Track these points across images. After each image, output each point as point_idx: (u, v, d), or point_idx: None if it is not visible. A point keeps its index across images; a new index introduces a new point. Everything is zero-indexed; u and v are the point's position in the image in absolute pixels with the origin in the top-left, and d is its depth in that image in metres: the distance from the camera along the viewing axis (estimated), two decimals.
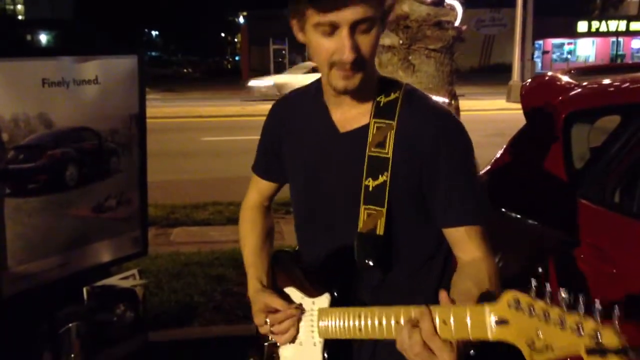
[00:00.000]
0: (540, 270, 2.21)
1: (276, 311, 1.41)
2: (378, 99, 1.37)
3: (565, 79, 2.70)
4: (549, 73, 2.90)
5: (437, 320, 1.09)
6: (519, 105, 2.77)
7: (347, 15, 1.21)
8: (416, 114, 1.35)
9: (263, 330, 1.46)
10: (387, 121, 1.35)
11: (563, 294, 0.93)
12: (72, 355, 2.65)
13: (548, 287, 0.95)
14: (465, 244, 1.35)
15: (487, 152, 3.43)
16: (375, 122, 1.35)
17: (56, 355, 2.50)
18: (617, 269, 1.95)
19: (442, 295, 1.14)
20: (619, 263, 1.96)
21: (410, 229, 1.41)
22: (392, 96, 1.37)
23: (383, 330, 1.18)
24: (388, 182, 1.33)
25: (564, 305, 0.93)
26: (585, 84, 2.58)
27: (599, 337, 0.88)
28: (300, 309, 1.40)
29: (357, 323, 1.25)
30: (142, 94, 2.61)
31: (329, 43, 1.25)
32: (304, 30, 1.30)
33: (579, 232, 2.16)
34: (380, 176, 1.33)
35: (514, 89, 17.93)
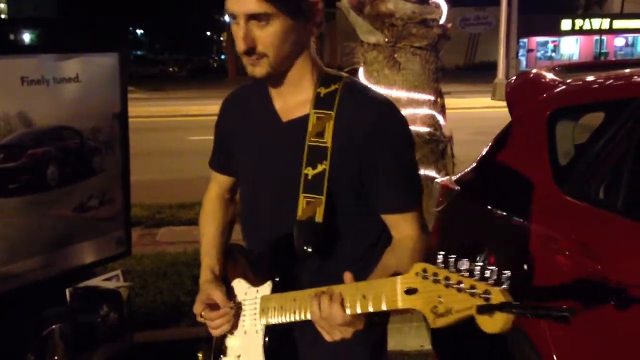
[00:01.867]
0: (525, 267, 2.22)
1: (215, 305, 1.48)
2: (318, 90, 1.42)
3: (549, 76, 2.70)
4: (534, 70, 2.91)
5: (358, 296, 1.19)
6: (504, 103, 2.77)
7: (241, 7, 1.30)
8: (355, 104, 1.40)
9: (199, 319, 1.53)
10: (326, 111, 1.39)
11: (465, 263, 1.00)
12: (56, 357, 2.62)
13: (453, 256, 1.02)
14: (400, 225, 1.44)
15: (473, 149, 3.44)
16: (315, 113, 1.40)
17: (40, 357, 2.46)
18: (602, 265, 1.96)
19: (347, 276, 1.24)
20: (604, 259, 1.97)
21: (350, 217, 1.45)
22: (332, 87, 1.42)
23: (308, 311, 1.28)
24: (327, 171, 1.37)
25: (465, 272, 1.00)
26: (569, 81, 2.58)
27: (489, 296, 0.96)
28: (236, 308, 1.48)
29: (291, 305, 1.34)
30: (123, 92, 2.59)
31: (234, 30, 1.34)
32: None
33: (564, 229, 2.17)
34: (319, 165, 1.37)
35: (499, 87, 18.05)
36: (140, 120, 13.38)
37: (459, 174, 2.97)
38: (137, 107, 15.73)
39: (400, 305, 1.12)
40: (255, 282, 1.49)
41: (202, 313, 1.50)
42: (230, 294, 1.53)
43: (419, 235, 1.44)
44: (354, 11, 4.32)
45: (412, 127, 4.66)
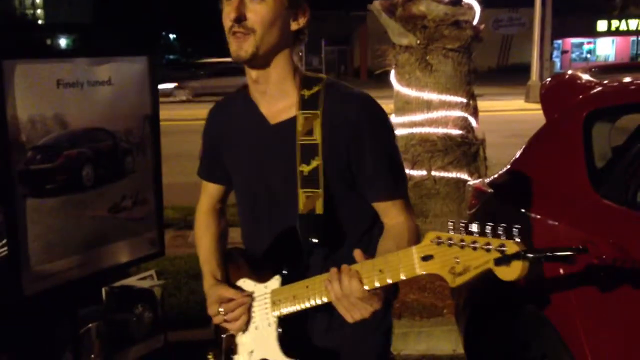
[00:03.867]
0: (561, 271, 2.18)
1: (229, 300, 1.54)
2: (302, 92, 1.50)
3: (585, 77, 2.66)
4: (569, 72, 2.86)
5: (374, 271, 1.27)
6: (538, 106, 2.73)
7: None
8: (338, 102, 1.49)
9: (217, 320, 1.58)
10: (313, 111, 1.48)
11: (475, 227, 1.11)
12: (92, 356, 2.67)
13: (463, 222, 1.13)
14: (389, 211, 1.53)
15: (506, 152, 3.40)
16: (302, 114, 1.48)
17: (77, 356, 2.51)
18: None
19: (357, 252, 1.33)
20: None
21: (348, 205, 1.54)
22: (315, 89, 1.50)
23: (322, 292, 1.36)
24: (321, 166, 1.46)
25: (477, 234, 1.11)
26: (605, 82, 2.54)
27: (504, 249, 1.07)
28: (251, 296, 1.54)
29: (304, 292, 1.41)
30: (154, 94, 2.63)
31: (226, 8, 1.42)
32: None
33: (601, 232, 2.13)
34: (312, 161, 1.46)
35: (533, 89, 17.78)
36: (172, 123, 13.57)
37: (492, 177, 2.94)
38: (170, 110, 15.93)
39: (418, 271, 1.21)
40: (261, 279, 1.54)
41: (221, 308, 1.55)
42: (239, 290, 1.57)
43: (409, 218, 1.53)
44: (386, 13, 4.31)
45: (444, 130, 4.67)
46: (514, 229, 1.08)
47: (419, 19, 4.18)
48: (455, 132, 4.25)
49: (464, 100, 4.32)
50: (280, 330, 1.48)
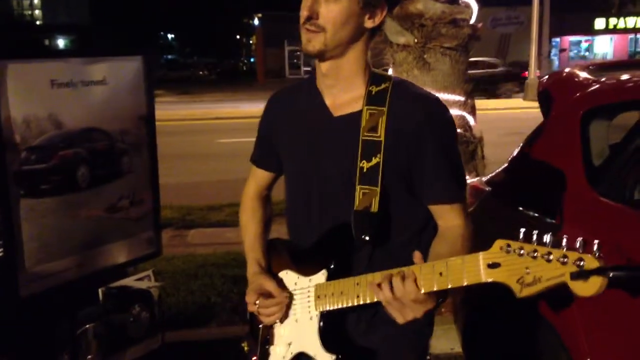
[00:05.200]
0: None
1: (269, 295, 1.54)
2: (370, 88, 1.49)
3: (583, 75, 2.65)
4: (567, 69, 2.85)
5: (434, 274, 1.25)
6: (536, 104, 2.72)
7: None
8: (405, 101, 1.48)
9: (251, 308, 1.58)
10: (379, 108, 1.47)
11: (548, 237, 1.08)
12: (90, 357, 2.66)
13: (535, 232, 1.10)
14: (447, 214, 1.52)
15: (504, 150, 3.39)
16: (368, 109, 1.47)
17: (74, 356, 2.50)
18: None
19: (416, 254, 1.31)
20: (638, 261, 1.92)
21: (402, 205, 1.52)
22: (383, 86, 1.49)
23: (372, 291, 1.34)
24: (381, 164, 1.44)
25: (549, 245, 1.08)
26: (603, 79, 2.53)
27: (582, 263, 1.03)
28: (291, 294, 1.54)
29: (353, 289, 1.40)
30: (149, 94, 2.62)
31: (303, 3, 1.42)
32: None
33: (599, 230, 2.12)
34: (373, 158, 1.44)
35: (531, 87, 17.79)
36: (169, 123, 13.55)
37: (490, 175, 2.93)
38: (167, 110, 15.92)
39: (484, 278, 1.17)
40: (305, 272, 1.53)
41: (258, 301, 1.54)
42: (280, 285, 1.57)
43: (466, 223, 1.52)
44: None
45: None
46: (595, 244, 1.05)
47: (416, 18, 4.16)
48: None
49: (462, 98, 4.32)
50: (321, 324, 1.47)
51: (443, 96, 4.26)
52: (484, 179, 2.93)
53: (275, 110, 1.66)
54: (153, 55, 2.80)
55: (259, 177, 1.77)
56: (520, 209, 2.48)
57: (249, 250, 1.68)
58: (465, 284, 1.20)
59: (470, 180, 3.31)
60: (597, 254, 1.04)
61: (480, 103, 4.83)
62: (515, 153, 2.73)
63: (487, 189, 2.78)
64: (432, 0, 4.17)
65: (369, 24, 1.45)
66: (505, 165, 2.78)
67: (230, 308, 3.92)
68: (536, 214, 2.41)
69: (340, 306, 1.43)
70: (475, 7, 4.30)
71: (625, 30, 38.36)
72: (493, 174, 2.88)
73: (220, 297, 4.08)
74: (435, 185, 1.48)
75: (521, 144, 2.72)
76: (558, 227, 2.25)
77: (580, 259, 1.04)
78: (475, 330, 2.67)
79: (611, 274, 1.02)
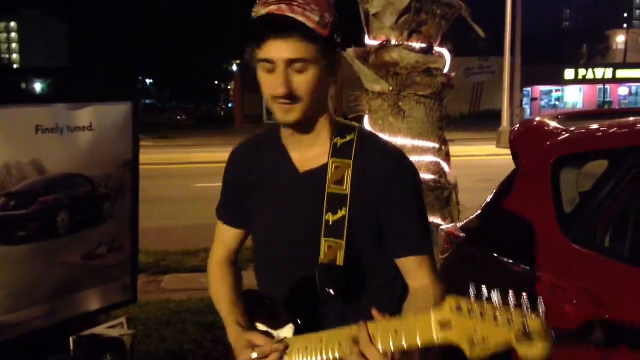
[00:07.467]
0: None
1: (261, 346, 1.48)
2: (335, 140, 1.50)
3: (553, 124, 2.73)
4: (537, 118, 2.94)
5: (390, 331, 1.22)
6: (509, 151, 2.79)
7: (283, 53, 1.36)
8: (371, 153, 1.49)
9: None
10: (344, 160, 1.47)
11: (496, 296, 1.05)
12: None
13: (484, 289, 1.07)
14: (416, 272, 1.50)
15: (478, 197, 3.45)
16: (333, 162, 1.48)
17: None
18: (609, 313, 1.94)
19: (374, 312, 1.28)
20: (611, 308, 1.95)
21: (369, 259, 1.52)
22: (348, 138, 1.50)
23: (335, 350, 1.32)
24: (347, 217, 1.44)
25: (498, 304, 1.05)
26: (573, 129, 2.61)
27: (526, 325, 1.01)
28: (284, 344, 1.47)
29: (317, 346, 1.37)
30: (135, 140, 2.60)
31: (269, 79, 1.40)
32: (256, 68, 1.44)
33: (571, 277, 2.16)
34: (339, 211, 1.45)
35: (504, 134, 18.14)
36: (146, 167, 13.39)
37: (464, 221, 2.97)
38: (144, 154, 15.83)
39: (436, 338, 1.14)
40: (275, 325, 1.52)
41: (254, 354, 1.48)
42: (265, 334, 1.53)
43: (436, 282, 1.51)
44: (359, 60, 4.40)
45: None
46: (540, 302, 1.02)
47: (392, 66, 4.27)
48: (428, 176, 4.30)
49: (437, 145, 4.39)
50: None
51: (418, 143, 4.33)
52: (459, 225, 2.97)
53: (241, 165, 1.65)
54: (139, 100, 2.79)
55: (226, 239, 1.74)
56: (495, 255, 2.51)
57: (227, 315, 1.64)
58: (419, 342, 1.17)
59: (445, 226, 3.34)
60: (539, 314, 1.02)
61: (454, 149, 4.92)
62: (489, 200, 2.78)
63: (462, 235, 2.82)
64: (406, 50, 4.28)
65: (332, 79, 1.48)
66: (479, 211, 2.82)
67: (203, 355, 3.85)
68: (510, 260, 2.44)
69: None
70: (448, 57, 4.43)
71: (594, 81, 39.57)
72: (468, 220, 2.92)
73: (193, 344, 4.01)
74: (402, 238, 1.49)
75: (494, 191, 2.77)
76: (531, 274, 2.28)
77: (525, 322, 1.01)
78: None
79: (555, 337, 1.00)
